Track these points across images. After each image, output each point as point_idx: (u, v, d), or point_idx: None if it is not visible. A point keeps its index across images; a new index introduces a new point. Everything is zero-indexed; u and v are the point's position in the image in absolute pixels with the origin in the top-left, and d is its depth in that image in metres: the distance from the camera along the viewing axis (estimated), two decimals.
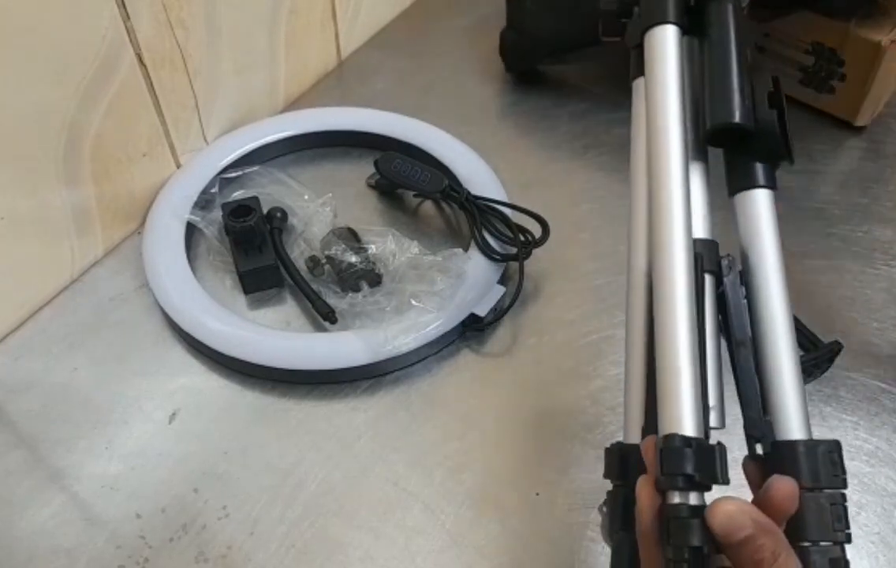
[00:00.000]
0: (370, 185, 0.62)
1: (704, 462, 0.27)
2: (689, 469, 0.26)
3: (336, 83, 0.74)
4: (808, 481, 0.29)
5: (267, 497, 0.44)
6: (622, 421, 0.47)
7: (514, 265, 0.54)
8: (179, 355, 0.51)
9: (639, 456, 0.29)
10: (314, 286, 0.53)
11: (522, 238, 0.54)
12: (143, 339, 0.52)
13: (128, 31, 0.52)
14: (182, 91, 0.59)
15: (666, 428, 0.28)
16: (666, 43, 0.35)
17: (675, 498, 0.27)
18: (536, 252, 0.54)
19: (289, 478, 0.45)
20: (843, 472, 0.29)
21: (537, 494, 0.44)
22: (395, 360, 0.49)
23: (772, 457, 0.30)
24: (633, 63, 0.38)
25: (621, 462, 0.32)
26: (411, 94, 0.71)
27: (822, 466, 0.29)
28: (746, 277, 0.33)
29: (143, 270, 0.54)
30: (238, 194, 0.58)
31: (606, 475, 0.33)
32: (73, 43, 0.49)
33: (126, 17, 0.51)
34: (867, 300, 0.54)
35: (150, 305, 0.54)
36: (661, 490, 0.27)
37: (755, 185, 0.33)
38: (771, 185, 0.34)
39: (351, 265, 0.52)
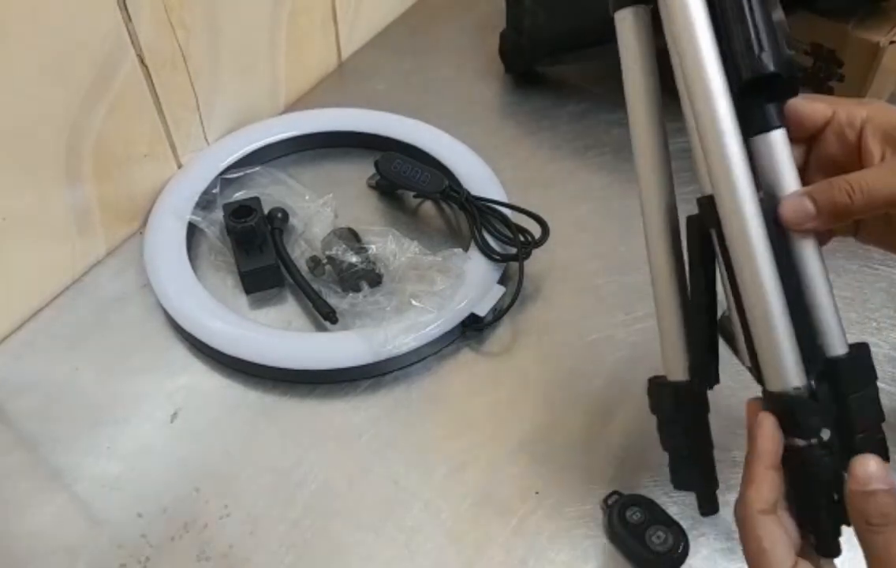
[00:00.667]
0: (370, 186, 0.62)
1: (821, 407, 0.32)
2: (817, 422, 0.31)
3: (337, 84, 0.74)
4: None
5: (268, 496, 0.44)
6: (623, 418, 0.47)
7: (514, 265, 0.54)
8: (181, 355, 0.51)
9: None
10: (315, 286, 0.53)
11: (522, 238, 0.54)
12: (145, 338, 0.52)
13: (129, 33, 0.52)
14: (183, 92, 0.59)
15: (781, 384, 0.32)
16: None
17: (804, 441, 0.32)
18: (536, 252, 0.54)
19: (290, 477, 0.45)
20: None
21: (537, 493, 0.44)
22: (395, 359, 0.49)
23: (829, 376, 0.33)
24: None
25: (669, 391, 0.37)
26: (411, 94, 0.71)
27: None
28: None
29: (144, 270, 0.54)
30: (239, 195, 0.58)
31: (655, 410, 0.38)
32: (75, 44, 0.49)
33: (127, 18, 0.52)
34: (865, 300, 0.54)
35: (151, 304, 0.54)
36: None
37: (772, 127, 0.33)
38: (783, 123, 0.33)
39: (351, 265, 0.52)
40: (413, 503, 0.44)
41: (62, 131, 0.51)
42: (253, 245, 0.54)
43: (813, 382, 0.32)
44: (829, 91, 0.65)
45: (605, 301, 0.54)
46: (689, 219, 0.35)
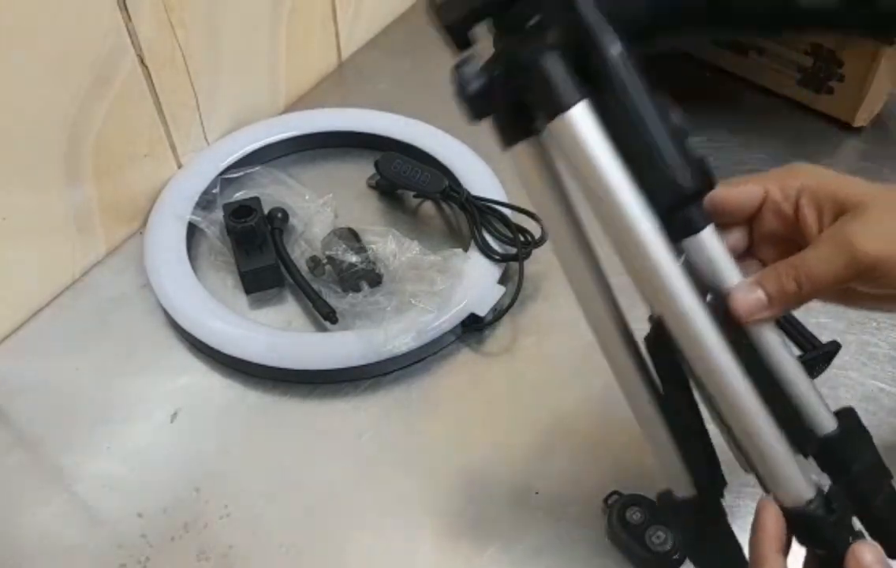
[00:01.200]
0: (370, 186, 0.62)
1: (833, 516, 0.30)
2: (837, 531, 0.30)
3: (337, 84, 0.74)
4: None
5: (268, 496, 0.44)
6: (623, 418, 0.47)
7: (514, 265, 0.54)
8: (181, 355, 0.51)
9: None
10: (315, 286, 0.53)
11: (522, 238, 0.54)
12: (145, 339, 0.52)
13: (129, 32, 0.52)
14: (183, 91, 0.59)
15: (791, 500, 0.31)
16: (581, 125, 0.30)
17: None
18: (536, 252, 0.54)
19: (290, 477, 0.45)
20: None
21: (537, 493, 0.44)
22: (395, 359, 0.49)
23: (827, 453, 0.32)
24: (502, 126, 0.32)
25: (682, 509, 0.34)
26: (412, 94, 0.71)
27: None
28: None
29: (144, 270, 0.54)
30: (239, 195, 0.58)
31: (673, 525, 0.36)
32: (75, 44, 0.49)
33: (127, 18, 0.52)
34: None
35: (151, 304, 0.54)
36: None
37: (699, 228, 0.31)
38: (708, 218, 0.31)
39: (351, 265, 0.52)
40: (413, 503, 0.44)
41: (62, 131, 0.50)
42: (253, 245, 0.54)
43: (825, 489, 0.31)
44: (830, 91, 0.65)
45: None
46: (648, 339, 0.33)
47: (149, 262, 0.54)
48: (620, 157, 0.30)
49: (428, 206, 0.61)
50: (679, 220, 0.31)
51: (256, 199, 0.56)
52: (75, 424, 0.48)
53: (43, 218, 0.52)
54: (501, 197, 0.58)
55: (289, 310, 0.54)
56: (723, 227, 0.33)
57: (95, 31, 0.50)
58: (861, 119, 0.65)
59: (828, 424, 0.32)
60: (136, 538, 0.43)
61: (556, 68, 0.29)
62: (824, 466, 0.32)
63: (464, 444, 0.47)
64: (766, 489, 0.32)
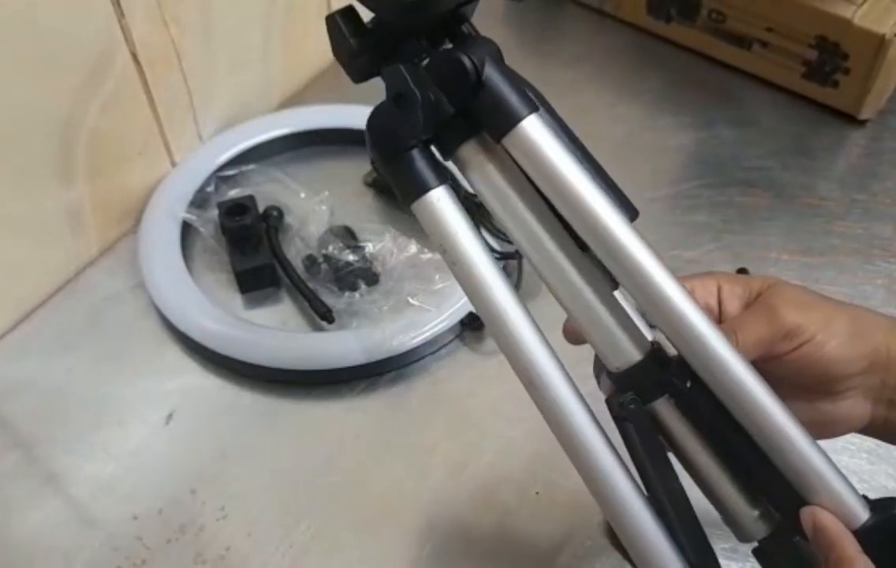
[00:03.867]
0: (367, 184, 0.62)
1: None
2: None
3: (332, 80, 0.73)
4: None
5: (265, 498, 0.44)
6: None
7: (513, 264, 0.54)
8: (175, 356, 0.51)
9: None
10: (311, 285, 0.52)
11: None
12: (139, 339, 0.52)
13: (122, 29, 0.52)
14: (177, 89, 0.58)
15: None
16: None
17: None
18: None
19: (287, 478, 0.45)
20: None
21: (537, 494, 0.44)
22: (392, 359, 0.49)
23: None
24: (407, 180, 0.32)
25: None
26: None
27: None
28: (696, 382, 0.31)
29: (138, 270, 0.54)
30: (234, 193, 0.58)
31: None
32: (68, 41, 0.49)
33: (120, 14, 0.51)
34: (866, 297, 0.54)
35: (145, 305, 0.53)
36: None
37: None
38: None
39: (348, 264, 0.52)
40: (411, 504, 0.44)
41: (55, 130, 0.50)
42: (248, 244, 0.54)
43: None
44: (835, 85, 0.64)
45: None
46: (617, 422, 0.32)
47: (143, 262, 0.54)
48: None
49: None
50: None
51: (251, 198, 0.56)
52: (69, 426, 0.47)
53: (35, 217, 0.51)
54: None
55: (284, 309, 0.53)
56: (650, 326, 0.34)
57: (88, 29, 0.49)
58: (867, 112, 0.65)
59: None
60: (132, 540, 0.42)
61: (499, 81, 0.30)
62: None
63: (462, 443, 0.46)
64: None
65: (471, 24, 0.31)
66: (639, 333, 0.31)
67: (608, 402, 0.32)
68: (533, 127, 0.30)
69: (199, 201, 0.58)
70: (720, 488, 0.32)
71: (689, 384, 0.30)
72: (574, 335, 0.34)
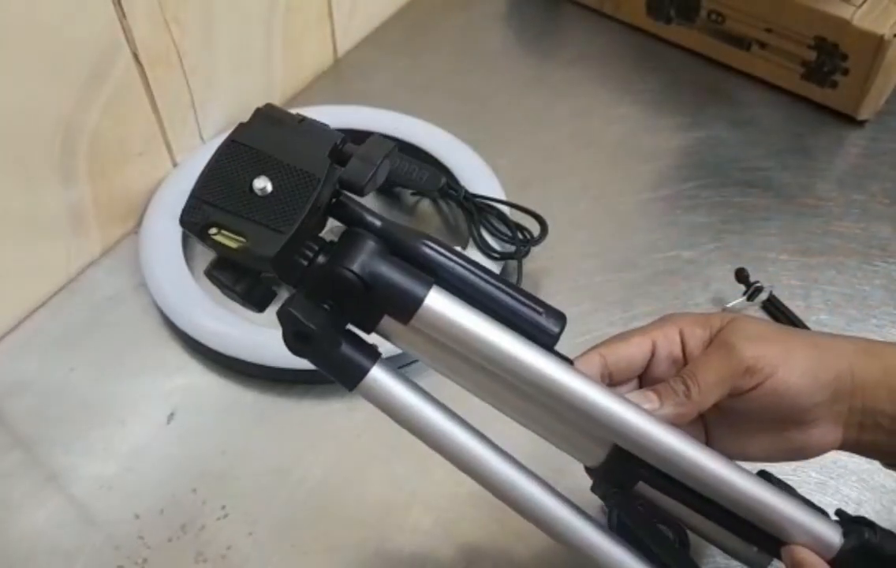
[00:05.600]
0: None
1: None
2: None
3: (332, 81, 0.73)
4: None
5: (266, 497, 0.44)
6: None
7: (513, 264, 0.54)
8: (177, 355, 0.51)
9: None
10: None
11: (521, 236, 0.54)
12: (141, 339, 0.52)
13: (124, 30, 0.52)
14: (178, 89, 0.58)
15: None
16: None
17: None
18: (535, 250, 0.54)
19: (288, 478, 0.45)
20: None
21: None
22: (393, 359, 0.49)
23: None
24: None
25: None
26: (408, 91, 0.70)
27: None
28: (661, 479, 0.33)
29: (139, 270, 0.54)
30: None
31: None
32: (69, 41, 0.49)
33: (122, 15, 0.51)
34: (864, 297, 0.54)
35: (147, 304, 0.53)
36: None
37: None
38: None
39: None
40: (412, 503, 0.44)
41: (56, 130, 0.50)
42: None
43: None
44: (833, 85, 0.65)
45: (604, 299, 0.54)
46: (611, 511, 0.34)
47: (144, 262, 0.54)
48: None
49: (426, 204, 0.61)
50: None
51: None
52: (71, 425, 0.47)
53: (37, 217, 0.51)
54: (500, 195, 0.58)
55: None
56: (615, 385, 0.35)
57: (90, 29, 0.50)
58: (865, 113, 0.65)
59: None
60: (134, 539, 0.42)
61: (387, 274, 0.30)
62: None
63: None
64: None
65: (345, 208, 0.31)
66: (598, 437, 0.33)
67: (595, 493, 0.35)
68: (433, 302, 0.30)
69: None
70: (720, 539, 0.34)
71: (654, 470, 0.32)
72: None
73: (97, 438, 0.47)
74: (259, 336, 0.49)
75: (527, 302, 0.31)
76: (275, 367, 0.48)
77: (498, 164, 0.61)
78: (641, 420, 0.31)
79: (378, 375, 0.31)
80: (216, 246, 0.28)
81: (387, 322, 0.31)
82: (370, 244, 0.30)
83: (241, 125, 0.31)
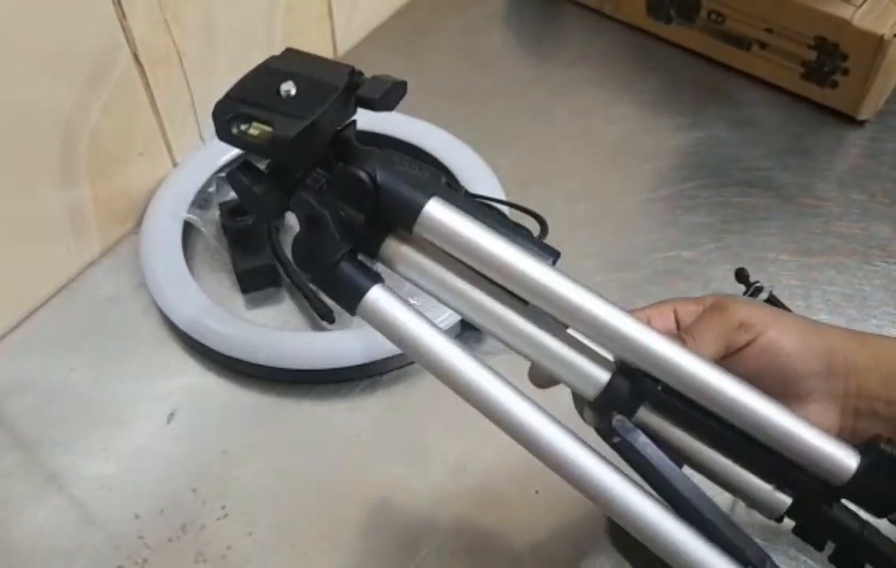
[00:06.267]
0: None
1: None
2: None
3: None
4: None
5: (266, 497, 0.44)
6: None
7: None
8: (177, 355, 0.51)
9: None
10: (312, 285, 0.52)
11: None
12: (141, 339, 0.52)
13: (124, 30, 0.52)
14: (178, 89, 0.58)
15: None
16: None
17: None
18: None
19: (287, 477, 0.45)
20: None
21: (536, 493, 0.44)
22: (393, 359, 0.49)
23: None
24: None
25: None
26: (408, 91, 0.70)
27: None
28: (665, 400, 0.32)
29: (139, 270, 0.54)
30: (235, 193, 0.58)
31: None
32: (69, 42, 0.49)
33: (122, 15, 0.51)
34: (864, 297, 0.54)
35: (147, 304, 0.53)
36: None
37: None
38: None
39: None
40: (412, 503, 0.44)
41: (56, 130, 0.50)
42: (249, 244, 0.54)
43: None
44: (834, 85, 0.65)
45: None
46: (616, 448, 0.32)
47: (144, 262, 0.54)
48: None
49: None
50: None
51: None
52: (71, 426, 0.47)
53: (37, 218, 0.51)
54: (499, 194, 0.58)
55: (285, 309, 0.53)
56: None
57: (90, 29, 0.50)
58: (865, 112, 0.65)
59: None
60: (134, 539, 0.42)
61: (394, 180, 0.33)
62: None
63: (463, 443, 0.46)
64: None
65: (355, 142, 0.35)
66: (600, 357, 0.32)
67: (598, 432, 0.32)
68: (434, 209, 0.32)
69: (201, 202, 0.58)
70: (731, 476, 0.33)
71: (660, 386, 0.31)
72: (539, 380, 0.35)
73: (97, 438, 0.47)
74: (259, 336, 0.50)
75: (523, 231, 0.32)
76: (275, 367, 0.48)
77: (498, 164, 0.61)
78: (649, 330, 0.31)
79: (378, 294, 0.32)
80: (244, 138, 0.31)
81: (389, 246, 0.33)
82: (381, 158, 0.33)
83: (272, 57, 0.35)
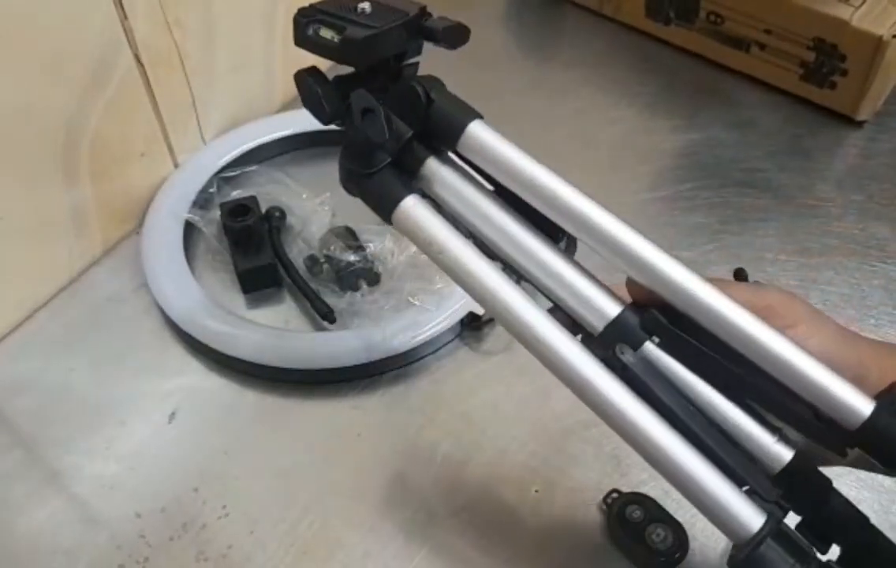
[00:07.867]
0: None
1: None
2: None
3: None
4: None
5: (267, 496, 0.44)
6: None
7: None
8: (178, 355, 0.51)
9: None
10: (313, 285, 0.53)
11: None
12: (142, 339, 0.52)
13: (125, 31, 0.52)
14: (179, 90, 0.58)
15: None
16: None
17: None
18: None
19: (288, 477, 0.45)
20: None
21: (536, 492, 0.44)
22: (393, 359, 0.49)
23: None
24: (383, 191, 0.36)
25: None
26: None
27: None
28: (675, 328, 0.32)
29: (141, 270, 0.54)
30: (236, 194, 0.58)
31: None
32: (71, 43, 0.49)
33: (123, 16, 0.51)
34: (863, 297, 0.54)
35: (148, 305, 0.53)
36: None
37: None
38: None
39: (349, 264, 0.52)
40: (412, 503, 0.44)
41: (58, 131, 0.50)
42: (250, 244, 0.54)
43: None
44: (832, 86, 0.65)
45: None
46: (622, 376, 0.32)
47: (145, 262, 0.54)
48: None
49: None
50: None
51: (253, 198, 0.56)
52: (72, 425, 0.47)
53: (39, 218, 0.51)
54: None
55: (286, 309, 0.54)
56: None
57: (91, 30, 0.50)
58: (864, 113, 0.65)
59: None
60: (135, 538, 0.43)
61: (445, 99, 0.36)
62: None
63: (463, 443, 0.46)
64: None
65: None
66: (613, 293, 0.34)
67: (605, 361, 0.33)
68: (478, 129, 0.35)
69: (202, 202, 0.58)
70: (732, 421, 0.32)
71: (668, 321, 0.32)
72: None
73: (98, 438, 0.47)
74: (260, 336, 0.50)
75: None
76: (276, 367, 0.49)
77: None
78: (665, 258, 0.32)
79: (415, 202, 0.35)
80: (317, 39, 0.35)
81: (429, 166, 0.36)
82: (435, 83, 0.37)
83: None
